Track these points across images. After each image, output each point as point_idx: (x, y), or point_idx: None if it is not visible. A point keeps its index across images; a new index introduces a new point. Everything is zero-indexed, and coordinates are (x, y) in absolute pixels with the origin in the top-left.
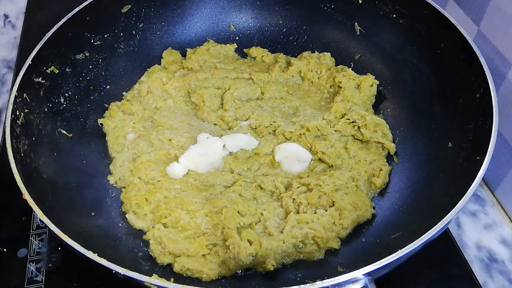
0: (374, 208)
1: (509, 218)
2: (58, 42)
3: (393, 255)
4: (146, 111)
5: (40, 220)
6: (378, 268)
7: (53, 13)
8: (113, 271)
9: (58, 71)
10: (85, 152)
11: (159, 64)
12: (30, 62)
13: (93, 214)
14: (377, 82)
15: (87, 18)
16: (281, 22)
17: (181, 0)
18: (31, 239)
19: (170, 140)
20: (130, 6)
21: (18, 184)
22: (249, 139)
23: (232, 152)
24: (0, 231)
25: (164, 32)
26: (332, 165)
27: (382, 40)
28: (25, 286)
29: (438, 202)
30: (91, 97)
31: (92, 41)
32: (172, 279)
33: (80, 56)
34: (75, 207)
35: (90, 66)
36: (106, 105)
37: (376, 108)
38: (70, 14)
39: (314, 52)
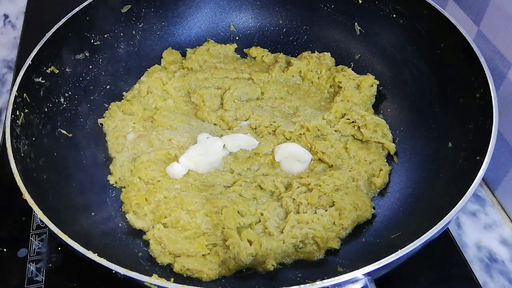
0: (374, 208)
1: (509, 218)
2: (58, 42)
3: (393, 255)
4: (146, 111)
5: (40, 220)
6: (378, 268)
7: (53, 13)
8: (113, 271)
9: (58, 71)
10: (85, 152)
11: (159, 64)
12: (30, 62)
13: (93, 214)
14: (377, 82)
15: (87, 18)
16: (281, 22)
17: (181, 0)
18: (31, 239)
19: (170, 140)
20: (130, 6)
21: (18, 184)
22: (249, 139)
23: (232, 152)
24: (0, 231)
25: (164, 32)
26: (332, 165)
27: (382, 40)
28: (25, 286)
29: (438, 202)
30: (91, 97)
31: (92, 41)
32: (172, 279)
33: (80, 56)
34: (75, 207)
35: (90, 66)
36: (106, 105)
37: (376, 108)
38: (70, 14)
39: (314, 52)
